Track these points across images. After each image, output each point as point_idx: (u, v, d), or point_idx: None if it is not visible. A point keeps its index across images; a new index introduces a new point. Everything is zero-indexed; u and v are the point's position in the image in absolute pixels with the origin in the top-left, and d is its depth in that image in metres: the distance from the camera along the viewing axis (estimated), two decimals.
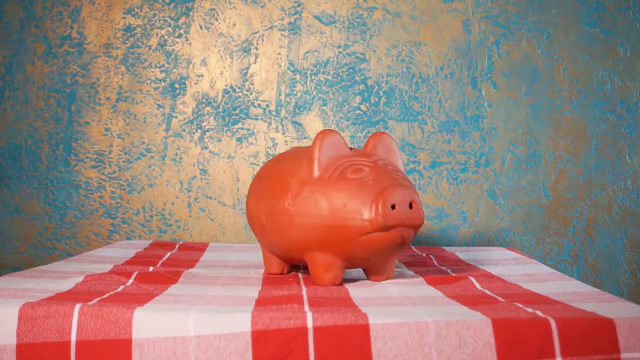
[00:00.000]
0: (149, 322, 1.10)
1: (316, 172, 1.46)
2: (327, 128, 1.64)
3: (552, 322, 1.07)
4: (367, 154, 1.50)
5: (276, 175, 1.54)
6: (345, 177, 1.44)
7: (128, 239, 2.33)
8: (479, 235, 2.34)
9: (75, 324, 1.11)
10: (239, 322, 1.09)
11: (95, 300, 1.20)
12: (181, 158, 2.34)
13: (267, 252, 1.65)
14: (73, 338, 1.10)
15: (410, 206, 1.42)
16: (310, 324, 1.09)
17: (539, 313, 1.12)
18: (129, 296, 1.27)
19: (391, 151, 1.55)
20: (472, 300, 1.28)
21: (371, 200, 1.41)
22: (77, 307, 1.12)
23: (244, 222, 2.33)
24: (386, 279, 1.54)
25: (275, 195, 1.51)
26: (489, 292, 1.38)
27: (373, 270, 1.54)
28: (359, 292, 1.39)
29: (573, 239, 2.34)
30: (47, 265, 1.70)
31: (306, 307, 1.18)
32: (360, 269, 1.74)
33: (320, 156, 1.48)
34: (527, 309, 1.16)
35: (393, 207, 1.40)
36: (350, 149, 1.53)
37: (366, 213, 1.40)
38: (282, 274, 1.64)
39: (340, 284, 1.49)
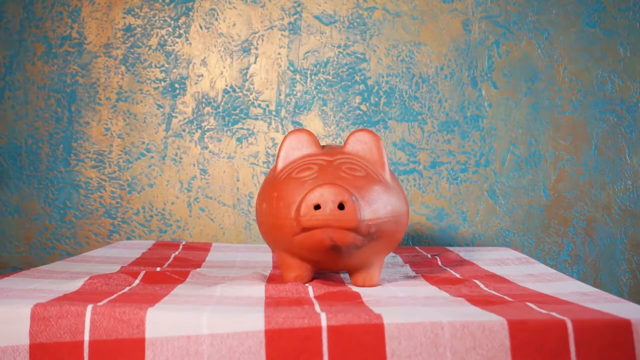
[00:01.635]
0: (162, 321, 1.10)
1: (277, 172, 1.50)
2: (299, 128, 1.64)
3: (569, 324, 1.08)
4: (336, 152, 1.50)
5: None
6: (290, 176, 1.46)
7: (128, 239, 2.33)
8: (479, 235, 2.34)
9: (88, 323, 1.11)
10: (253, 321, 1.10)
11: (105, 301, 1.19)
12: (181, 158, 2.34)
13: None
14: (86, 338, 1.10)
15: (342, 207, 1.38)
16: (324, 323, 1.09)
17: (554, 314, 1.12)
18: (138, 296, 1.27)
19: (370, 148, 1.51)
20: (481, 300, 1.28)
21: (299, 200, 1.41)
22: (90, 307, 1.12)
23: (244, 222, 2.33)
24: (365, 284, 1.50)
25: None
26: (496, 293, 1.38)
27: (353, 274, 1.53)
28: (369, 292, 1.39)
29: (573, 239, 2.34)
30: (51, 264, 1.69)
31: (317, 309, 1.18)
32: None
33: (284, 156, 1.52)
34: (541, 310, 1.16)
35: (317, 207, 1.37)
36: (323, 146, 1.54)
37: (292, 213, 1.41)
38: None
39: (305, 283, 1.50)
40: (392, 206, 1.44)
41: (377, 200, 1.42)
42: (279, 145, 2.32)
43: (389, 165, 1.52)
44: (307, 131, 1.52)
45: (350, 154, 1.50)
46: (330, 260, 1.46)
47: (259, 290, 1.40)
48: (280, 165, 1.51)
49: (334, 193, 1.37)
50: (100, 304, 1.15)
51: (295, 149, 1.52)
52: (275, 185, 1.48)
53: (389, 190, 1.45)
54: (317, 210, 1.37)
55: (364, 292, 1.39)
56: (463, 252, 2.02)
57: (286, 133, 2.33)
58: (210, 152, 2.34)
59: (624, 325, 1.08)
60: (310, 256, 1.45)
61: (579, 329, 1.07)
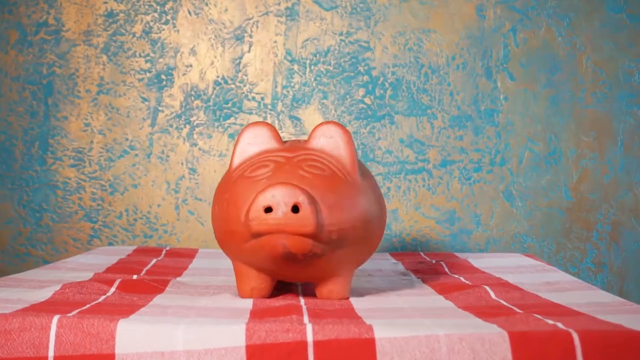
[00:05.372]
0: (133, 336, 1.10)
1: (231, 170, 1.44)
2: (257, 121, 1.54)
3: (575, 336, 1.07)
4: (298, 148, 1.44)
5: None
6: (244, 175, 1.40)
7: (110, 244, 2.33)
8: (494, 240, 2.34)
9: (53, 337, 1.11)
10: (233, 336, 1.09)
11: (74, 312, 1.19)
12: (168, 156, 2.34)
13: None
14: (51, 353, 1.10)
15: (296, 210, 1.32)
16: (310, 337, 1.09)
17: (560, 325, 1.12)
18: (111, 307, 1.27)
19: (337, 143, 1.44)
20: (487, 312, 1.28)
21: (250, 201, 1.35)
22: (55, 318, 1.12)
23: None
24: (330, 296, 1.45)
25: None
26: (505, 303, 1.38)
27: (316, 286, 1.47)
28: (363, 303, 1.39)
29: (597, 245, 2.34)
30: (21, 273, 1.70)
31: (305, 319, 1.18)
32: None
33: (240, 152, 1.45)
34: (547, 320, 1.16)
35: (269, 209, 1.31)
36: (285, 142, 1.48)
37: (242, 217, 1.35)
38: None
39: (263, 297, 1.45)
40: (361, 209, 1.39)
41: (342, 202, 1.37)
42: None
43: (358, 162, 1.46)
44: (267, 124, 1.46)
45: (314, 150, 1.44)
46: (288, 271, 1.41)
47: (247, 300, 1.40)
48: (235, 163, 1.45)
49: (287, 194, 1.31)
50: (68, 315, 1.15)
51: (252, 144, 1.45)
52: (226, 185, 1.42)
53: (358, 191, 1.40)
54: (268, 214, 1.31)
55: (362, 303, 1.39)
56: (472, 259, 2.02)
57: (282, 128, 2.34)
58: (200, 149, 2.34)
59: (635, 338, 1.08)
60: (265, 266, 1.40)
61: (586, 341, 1.07)
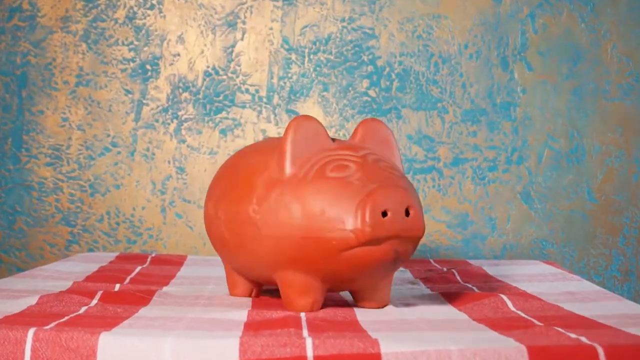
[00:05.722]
0: (116, 350, 1.10)
1: (288, 170, 1.37)
2: (304, 114, 1.50)
3: (600, 351, 1.07)
4: (354, 146, 1.41)
5: (240, 173, 1.45)
6: (324, 175, 1.34)
7: (90, 250, 2.33)
8: (511, 246, 2.34)
9: (28, 352, 1.11)
10: (225, 350, 1.09)
11: (52, 324, 1.19)
12: (154, 154, 2.34)
13: (230, 270, 1.58)
14: None
15: (407, 213, 1.32)
16: (310, 352, 1.08)
17: (584, 339, 1.12)
18: (92, 319, 1.27)
19: (386, 143, 1.45)
20: (504, 324, 1.28)
21: (356, 205, 1.30)
22: (31, 332, 1.12)
23: None
24: (379, 305, 1.45)
25: (238, 199, 1.42)
26: (523, 314, 1.38)
27: (363, 294, 1.45)
28: (368, 314, 1.39)
29: (623, 251, 2.34)
30: None
31: (305, 332, 1.18)
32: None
33: (294, 149, 1.38)
34: (569, 334, 1.16)
35: (384, 214, 1.30)
36: (333, 139, 1.44)
37: (350, 222, 1.30)
38: (250, 296, 1.57)
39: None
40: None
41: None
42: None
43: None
44: (315, 118, 1.41)
45: (371, 149, 1.42)
46: (367, 279, 1.40)
47: (240, 312, 1.39)
48: (290, 162, 1.37)
49: (402, 197, 1.31)
50: (45, 328, 1.15)
51: (309, 141, 1.39)
52: (297, 187, 1.35)
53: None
54: (386, 218, 1.30)
55: (367, 314, 1.39)
56: (487, 266, 2.01)
57: (278, 123, 2.33)
58: (188, 146, 2.34)
59: None
60: (353, 275, 1.37)
61: (612, 356, 1.07)
